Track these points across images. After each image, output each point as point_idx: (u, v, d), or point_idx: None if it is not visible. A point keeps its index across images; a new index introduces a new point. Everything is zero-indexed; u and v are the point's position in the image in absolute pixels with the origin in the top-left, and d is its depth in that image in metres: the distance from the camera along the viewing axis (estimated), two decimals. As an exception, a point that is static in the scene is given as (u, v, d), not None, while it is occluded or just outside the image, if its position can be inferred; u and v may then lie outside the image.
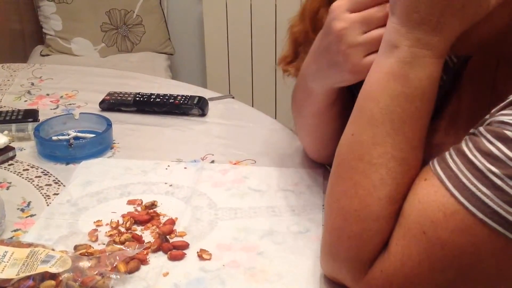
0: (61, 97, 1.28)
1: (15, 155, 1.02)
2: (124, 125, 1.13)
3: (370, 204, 0.61)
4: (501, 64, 0.68)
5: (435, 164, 0.60)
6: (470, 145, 0.57)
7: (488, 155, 0.55)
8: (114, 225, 0.81)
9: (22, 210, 0.86)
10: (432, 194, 0.58)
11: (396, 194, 0.61)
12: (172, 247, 0.76)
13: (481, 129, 0.57)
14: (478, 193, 0.55)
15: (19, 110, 1.17)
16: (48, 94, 1.30)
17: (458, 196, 0.56)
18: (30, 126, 1.08)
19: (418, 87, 0.61)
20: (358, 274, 0.62)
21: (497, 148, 0.54)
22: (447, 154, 0.59)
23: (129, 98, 1.20)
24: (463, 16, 0.59)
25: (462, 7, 0.58)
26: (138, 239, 0.78)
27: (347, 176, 0.64)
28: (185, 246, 0.76)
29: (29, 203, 0.88)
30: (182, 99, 1.19)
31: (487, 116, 0.58)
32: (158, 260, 0.74)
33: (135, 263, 0.72)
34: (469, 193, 0.55)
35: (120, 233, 0.79)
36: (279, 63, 0.88)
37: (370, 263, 0.62)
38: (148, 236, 0.79)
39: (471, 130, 0.59)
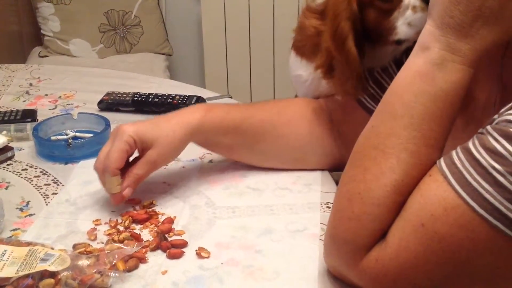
0: (60, 97, 1.29)
1: (14, 155, 1.02)
2: (123, 125, 1.13)
3: (374, 189, 0.62)
4: (508, 54, 0.69)
5: (441, 161, 0.60)
6: (476, 142, 0.58)
7: (492, 152, 0.55)
8: (112, 224, 0.81)
9: (21, 209, 0.86)
10: (434, 189, 0.59)
11: (402, 184, 0.62)
12: (170, 245, 0.76)
13: (489, 127, 0.58)
14: (480, 189, 0.55)
15: (17, 110, 1.17)
16: (46, 95, 1.30)
17: (460, 191, 0.57)
18: (29, 126, 1.09)
19: (443, 88, 0.61)
20: (353, 259, 0.63)
21: (502, 145, 0.55)
22: (453, 152, 0.60)
23: (128, 98, 1.21)
24: (495, 28, 0.60)
25: (495, 19, 0.59)
26: (136, 238, 0.78)
27: (359, 163, 0.65)
28: (184, 244, 0.77)
29: (28, 203, 0.88)
30: (180, 99, 1.20)
31: (496, 116, 0.59)
32: (156, 259, 0.74)
33: (134, 262, 0.73)
34: (471, 189, 0.56)
35: (119, 232, 0.79)
36: (316, 68, 0.89)
37: (366, 249, 0.62)
38: (146, 234, 0.79)
39: (480, 130, 0.59)
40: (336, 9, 0.81)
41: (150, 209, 0.85)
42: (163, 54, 2.55)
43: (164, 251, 0.76)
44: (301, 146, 0.94)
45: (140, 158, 0.84)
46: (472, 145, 0.58)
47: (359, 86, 0.84)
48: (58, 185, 0.93)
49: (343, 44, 0.80)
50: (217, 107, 0.90)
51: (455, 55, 0.61)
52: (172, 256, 0.75)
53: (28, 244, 0.73)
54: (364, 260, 0.62)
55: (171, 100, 1.20)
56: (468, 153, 0.58)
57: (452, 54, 0.61)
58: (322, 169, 0.95)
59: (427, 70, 0.62)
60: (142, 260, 0.74)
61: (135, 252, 0.73)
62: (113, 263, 0.70)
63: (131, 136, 0.82)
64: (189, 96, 1.21)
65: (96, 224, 0.82)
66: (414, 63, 0.64)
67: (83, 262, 0.69)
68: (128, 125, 0.84)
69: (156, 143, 0.83)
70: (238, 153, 0.94)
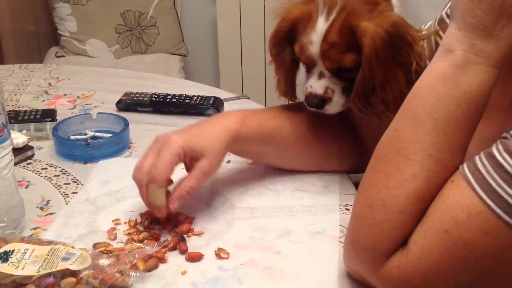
0: (78, 97, 1.29)
1: (34, 154, 1.03)
2: (141, 125, 1.14)
3: (398, 196, 0.61)
4: None
5: (464, 167, 0.60)
6: (500, 147, 0.57)
7: None
8: (132, 224, 0.81)
9: (41, 208, 0.87)
10: (458, 195, 0.58)
11: (426, 192, 0.61)
12: (187, 249, 0.76)
13: None
14: (505, 196, 0.55)
15: (37, 110, 1.18)
16: (65, 94, 1.31)
17: (484, 197, 0.56)
18: (48, 125, 1.09)
19: (467, 92, 0.60)
20: (373, 265, 0.63)
21: None
22: (476, 158, 0.59)
23: (146, 98, 1.21)
24: None
25: None
26: (156, 238, 0.78)
27: (381, 168, 0.64)
28: (200, 257, 0.75)
29: (48, 202, 0.89)
30: (198, 100, 1.20)
31: None
32: (176, 259, 0.75)
33: (154, 261, 0.73)
34: (496, 195, 0.55)
35: (139, 232, 0.80)
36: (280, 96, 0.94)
37: (387, 256, 0.62)
38: (165, 234, 0.79)
39: (504, 134, 0.59)
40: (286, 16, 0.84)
41: (169, 209, 0.85)
42: (178, 54, 2.56)
43: (182, 254, 0.76)
44: (325, 151, 0.93)
45: (187, 168, 0.82)
46: (496, 150, 0.57)
47: (287, 91, 0.91)
48: (77, 184, 0.93)
49: (279, 49, 0.86)
50: (252, 116, 0.88)
51: (479, 56, 0.60)
52: (191, 259, 0.75)
53: (50, 242, 0.73)
54: (385, 267, 0.62)
55: (188, 101, 1.20)
56: (492, 159, 0.57)
57: (476, 56, 0.60)
58: (341, 171, 0.95)
59: (451, 73, 0.61)
60: (162, 260, 0.74)
61: (155, 252, 0.74)
62: (133, 263, 0.71)
63: (181, 146, 0.79)
64: (206, 96, 1.21)
65: (116, 224, 0.82)
66: (437, 66, 0.62)
67: (104, 261, 0.70)
68: (175, 135, 0.80)
69: (205, 153, 0.80)
70: (266, 159, 0.94)
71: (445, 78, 0.61)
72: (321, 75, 0.83)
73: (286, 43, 0.86)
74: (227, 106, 1.22)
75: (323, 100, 0.84)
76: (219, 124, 0.84)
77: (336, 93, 0.84)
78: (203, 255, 0.75)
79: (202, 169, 0.81)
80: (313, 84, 0.84)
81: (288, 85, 0.90)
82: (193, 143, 0.80)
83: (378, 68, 0.78)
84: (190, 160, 0.81)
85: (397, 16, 0.79)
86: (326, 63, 0.81)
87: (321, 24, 0.79)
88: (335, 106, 0.84)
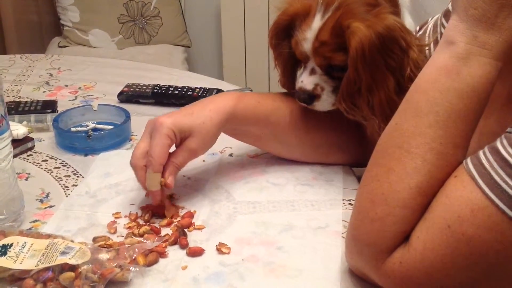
0: (80, 88, 1.28)
1: (34, 145, 1.02)
2: (143, 117, 1.12)
3: (399, 191, 0.60)
4: None
5: (468, 162, 0.59)
6: (505, 142, 0.56)
7: None
8: (133, 217, 0.80)
9: (41, 201, 0.86)
10: (461, 190, 0.57)
11: (428, 186, 0.60)
12: (188, 244, 0.75)
13: None
14: (510, 191, 0.54)
15: (37, 101, 1.17)
16: (66, 85, 1.30)
17: (488, 192, 0.55)
18: (49, 117, 1.08)
19: (470, 84, 0.59)
20: (375, 261, 0.62)
21: None
22: (480, 152, 0.58)
23: (148, 90, 1.20)
24: None
25: None
26: (156, 232, 0.77)
27: (382, 162, 0.63)
28: (201, 251, 0.74)
29: (48, 194, 0.88)
30: (200, 92, 1.19)
31: None
32: (176, 253, 0.74)
33: (154, 256, 0.72)
34: (500, 191, 0.54)
35: (139, 225, 0.79)
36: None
37: (388, 252, 0.61)
38: (166, 228, 0.79)
39: (508, 129, 0.58)
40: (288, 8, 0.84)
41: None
42: (181, 45, 2.55)
43: (183, 248, 0.75)
44: (327, 141, 0.92)
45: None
46: (501, 144, 0.56)
47: (286, 82, 0.91)
48: (78, 176, 0.92)
49: (278, 41, 0.86)
50: (248, 96, 0.88)
51: (481, 48, 0.59)
52: (192, 254, 0.74)
53: (48, 236, 0.72)
54: (387, 263, 0.61)
55: (191, 93, 1.19)
56: (497, 153, 0.56)
57: (479, 48, 0.59)
58: (344, 165, 0.94)
59: (453, 65, 0.60)
60: (162, 254, 0.73)
61: (155, 246, 0.73)
62: (133, 257, 0.70)
63: (171, 128, 0.79)
64: (209, 88, 1.20)
65: (116, 217, 0.81)
66: (439, 59, 0.62)
67: (103, 255, 0.69)
68: (164, 117, 0.80)
69: (194, 132, 0.80)
70: (264, 143, 0.93)
71: (447, 70, 0.60)
72: (312, 72, 0.84)
73: (284, 36, 0.85)
74: (229, 98, 1.20)
75: (311, 96, 0.84)
76: (212, 103, 0.84)
77: (326, 92, 0.84)
78: (204, 250, 0.74)
79: (187, 146, 0.81)
80: (304, 79, 0.84)
81: (286, 77, 0.91)
82: (182, 123, 0.80)
83: (365, 71, 0.77)
84: (181, 140, 0.81)
85: (393, 19, 0.77)
86: (317, 60, 0.82)
87: (316, 22, 0.80)
88: (323, 104, 0.85)
